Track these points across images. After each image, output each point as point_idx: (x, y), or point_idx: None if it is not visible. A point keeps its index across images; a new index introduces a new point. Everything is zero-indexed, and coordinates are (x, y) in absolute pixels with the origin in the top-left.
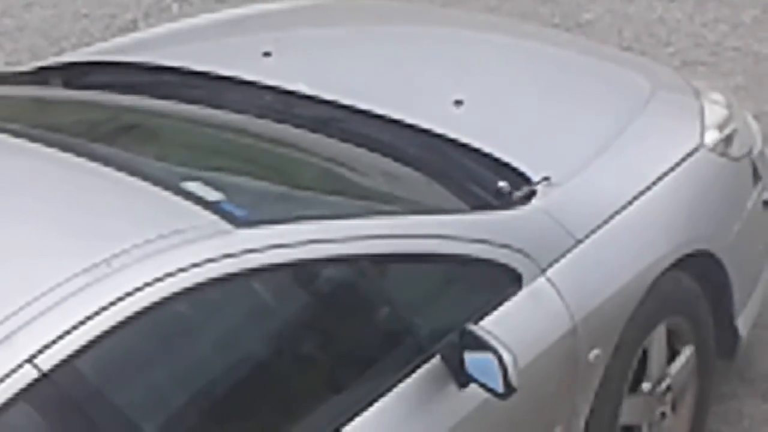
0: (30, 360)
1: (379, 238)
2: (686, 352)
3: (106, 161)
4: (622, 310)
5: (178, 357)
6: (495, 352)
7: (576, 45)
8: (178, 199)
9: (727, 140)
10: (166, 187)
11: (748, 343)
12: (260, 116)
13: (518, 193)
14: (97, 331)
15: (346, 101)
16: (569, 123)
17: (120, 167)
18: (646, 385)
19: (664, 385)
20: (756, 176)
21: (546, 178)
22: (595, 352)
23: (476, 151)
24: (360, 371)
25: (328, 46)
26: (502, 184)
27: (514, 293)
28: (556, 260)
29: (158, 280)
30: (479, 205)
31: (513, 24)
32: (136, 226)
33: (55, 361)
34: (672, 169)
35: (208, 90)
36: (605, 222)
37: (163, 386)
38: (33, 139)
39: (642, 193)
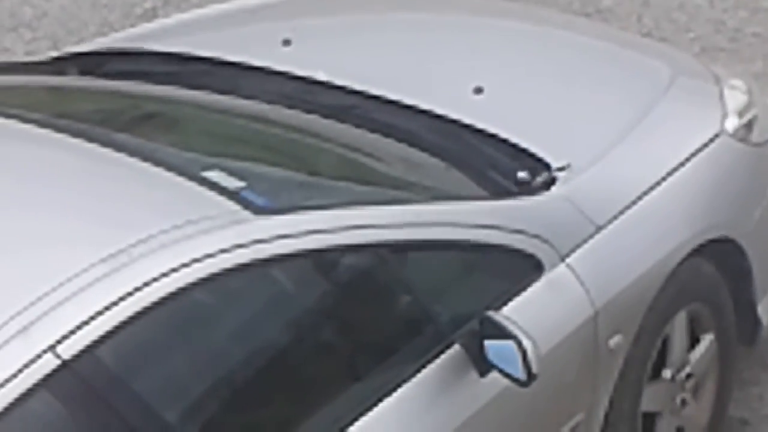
0: (51, 349)
1: (399, 226)
2: (707, 339)
3: (127, 150)
4: (642, 296)
5: (200, 345)
6: (516, 339)
7: (596, 31)
8: (198, 188)
9: (748, 126)
10: (187, 176)
11: None
12: (280, 104)
13: (539, 180)
14: (117, 320)
15: (366, 89)
16: (589, 110)
17: (141, 156)
18: (667, 372)
19: (685, 372)
20: None
21: (565, 166)
22: (616, 339)
23: (496, 138)
24: (380, 359)
25: (348, 34)
26: (522, 173)
27: (534, 280)
28: (577, 247)
29: (178, 268)
30: (500, 193)
31: (533, 10)
32: (156, 215)
33: (75, 350)
34: (692, 155)
35: (227, 78)
36: (626, 209)
37: (183, 374)
38: (54, 128)
39: (662, 179)
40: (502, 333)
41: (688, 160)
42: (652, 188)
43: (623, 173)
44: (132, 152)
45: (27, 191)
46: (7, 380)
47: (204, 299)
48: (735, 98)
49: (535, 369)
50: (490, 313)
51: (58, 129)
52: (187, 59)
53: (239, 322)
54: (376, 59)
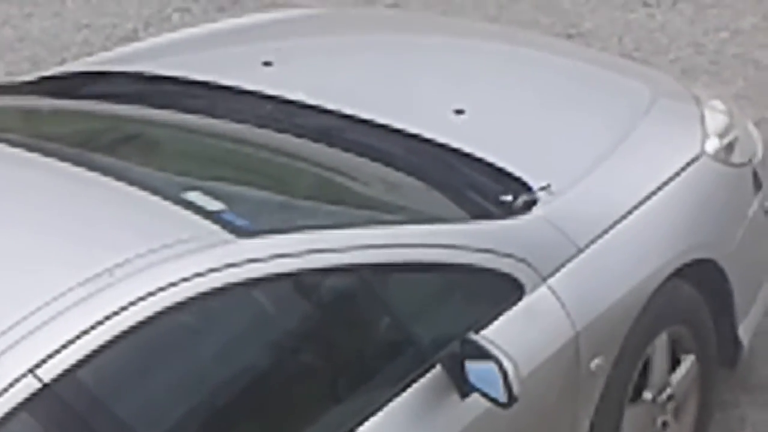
0: (32, 371)
1: (379, 248)
2: (688, 361)
3: (108, 171)
4: (624, 318)
5: (180, 367)
6: (497, 361)
7: (577, 53)
8: (179, 209)
9: (728, 148)
10: (167, 197)
11: (750, 352)
12: (261, 126)
13: (519, 202)
14: (99, 342)
15: (346, 110)
16: (570, 131)
17: (121, 177)
18: (648, 394)
19: (666, 394)
20: (757, 184)
21: (546, 187)
22: (597, 361)
23: (477, 160)
24: (361, 382)
25: (328, 56)
26: (504, 196)
27: (515, 302)
28: (558, 269)
29: (159, 290)
30: (480, 214)
31: (513, 33)
32: (137, 236)
33: (56, 371)
34: (673, 177)
35: (209, 99)
36: (607, 230)
37: (166, 397)
38: (35, 149)
39: (643, 201)
40: (483, 354)
41: (668, 181)
42: (632, 210)
43: (604, 194)
44: (111, 173)
45: (5, 212)
46: None
47: (185, 321)
48: (716, 119)
49: (516, 391)
50: (471, 335)
51: (39, 150)
52: (167, 80)
53: (220, 344)
54: (357, 81)
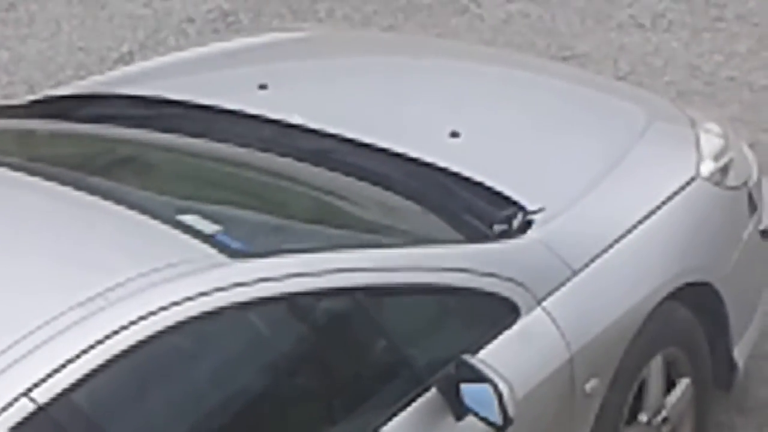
0: (26, 393)
1: (375, 270)
2: (683, 383)
3: (103, 194)
4: (619, 341)
5: (172, 390)
6: (492, 383)
7: (572, 76)
8: (174, 232)
9: (723, 170)
10: (163, 220)
11: (745, 374)
12: (256, 148)
13: (515, 224)
14: (93, 365)
15: (342, 132)
16: (566, 154)
17: (117, 200)
18: (643, 416)
19: (661, 416)
20: (752, 206)
21: (540, 209)
22: (592, 383)
23: (473, 182)
24: (357, 404)
25: (324, 78)
26: (499, 218)
27: (510, 324)
28: (553, 291)
29: (154, 313)
30: (476, 237)
31: (509, 55)
32: (132, 259)
33: (51, 394)
34: (668, 199)
35: (205, 122)
36: (602, 253)
37: (159, 419)
38: (29, 172)
39: (638, 223)
40: (479, 377)
41: (663, 204)
42: (628, 232)
43: (599, 217)
44: (107, 196)
45: (2, 235)
46: None
47: (180, 343)
48: (710, 142)
49: (511, 413)
50: (466, 357)
51: (33, 173)
52: (164, 103)
53: (215, 366)
54: (352, 103)
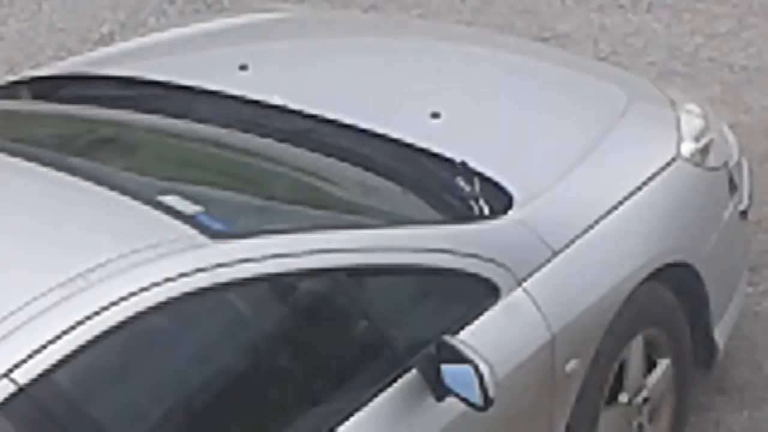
0: (7, 374)
1: (355, 251)
2: (664, 363)
3: (83, 175)
4: (599, 321)
5: (154, 370)
6: (473, 363)
7: (552, 56)
8: (155, 213)
9: (704, 151)
10: (143, 201)
11: (725, 354)
12: (237, 129)
13: (495, 205)
14: (73, 345)
15: (322, 113)
16: (546, 134)
17: (97, 181)
18: (623, 397)
19: (641, 397)
20: (732, 187)
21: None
22: (573, 363)
23: (453, 163)
24: (338, 384)
25: (304, 59)
26: (479, 198)
27: (491, 305)
28: (534, 271)
29: (135, 293)
30: (456, 217)
31: (489, 35)
32: (113, 240)
33: (32, 375)
34: (648, 179)
35: (184, 103)
36: (582, 233)
37: (140, 400)
38: (10, 153)
39: (619, 204)
40: (459, 357)
41: (644, 184)
42: (608, 212)
43: (580, 197)
44: (88, 176)
45: None
46: None
47: (161, 324)
48: (691, 123)
49: (492, 393)
50: (447, 338)
51: (14, 153)
52: (144, 83)
53: (196, 346)
54: (333, 84)
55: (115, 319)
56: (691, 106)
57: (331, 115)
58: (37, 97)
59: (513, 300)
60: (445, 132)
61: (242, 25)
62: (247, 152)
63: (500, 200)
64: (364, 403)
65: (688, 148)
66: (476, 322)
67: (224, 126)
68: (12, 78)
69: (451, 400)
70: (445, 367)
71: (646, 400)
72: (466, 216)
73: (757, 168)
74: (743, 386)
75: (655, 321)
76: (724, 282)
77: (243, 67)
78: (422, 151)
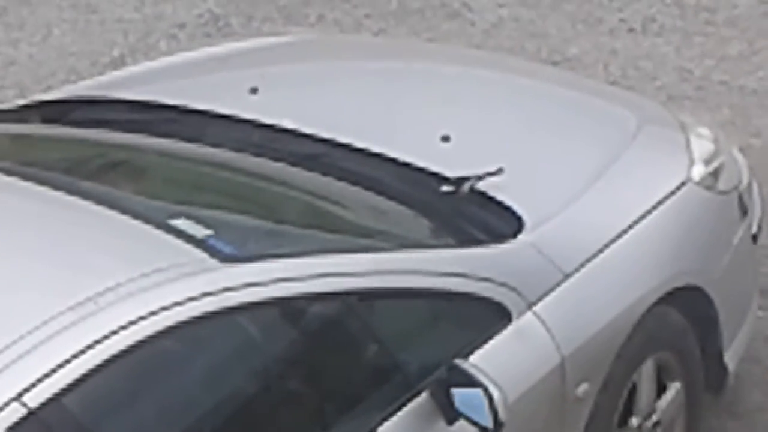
0: (17, 398)
1: (367, 274)
2: (674, 387)
3: (94, 199)
4: (610, 344)
5: (163, 394)
6: (483, 387)
7: (562, 79)
8: (165, 236)
9: (714, 174)
10: (154, 224)
11: (736, 378)
12: (247, 152)
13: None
14: (86, 368)
15: (333, 137)
16: (557, 157)
17: (108, 205)
18: (634, 420)
19: (652, 421)
20: (743, 210)
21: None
22: (584, 387)
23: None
24: (348, 408)
25: (315, 82)
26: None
27: (502, 328)
28: (544, 295)
29: (146, 317)
30: (467, 240)
31: (500, 58)
32: (123, 263)
33: (42, 398)
34: (659, 203)
35: (194, 126)
36: (593, 256)
37: (149, 424)
38: (21, 176)
39: (629, 227)
40: (470, 381)
41: (654, 208)
42: (619, 236)
43: (590, 221)
44: (99, 200)
45: None
46: None
47: (171, 348)
48: (701, 146)
49: (502, 417)
50: (458, 361)
51: (26, 177)
52: (154, 107)
53: (206, 371)
54: (343, 107)
55: (125, 342)
56: (702, 130)
57: (340, 139)
58: (47, 120)
59: (523, 324)
60: (455, 155)
61: (251, 50)
62: (258, 176)
63: (511, 224)
64: (375, 427)
65: (698, 171)
66: (487, 346)
67: (234, 150)
68: (23, 101)
69: (461, 423)
70: (456, 391)
71: (656, 424)
72: (477, 240)
73: None
74: (755, 410)
75: (665, 344)
76: (735, 305)
77: (253, 90)
78: (433, 175)
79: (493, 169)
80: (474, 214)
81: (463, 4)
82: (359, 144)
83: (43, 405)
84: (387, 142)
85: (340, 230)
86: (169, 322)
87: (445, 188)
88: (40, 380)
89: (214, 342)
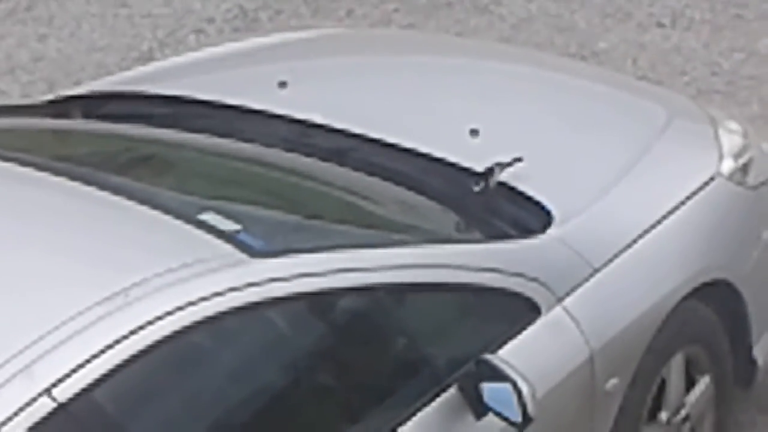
0: (47, 391)
1: (396, 269)
2: (703, 382)
3: (124, 193)
4: (639, 339)
5: (192, 389)
6: (512, 382)
7: (592, 74)
8: (195, 231)
9: (744, 169)
10: (183, 219)
11: (765, 372)
12: (277, 147)
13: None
14: (114, 362)
15: (362, 131)
16: (586, 152)
17: (137, 199)
18: (663, 415)
19: (681, 415)
20: None
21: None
22: (613, 381)
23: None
24: (377, 402)
25: (344, 76)
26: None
27: (531, 323)
28: (574, 289)
29: (175, 311)
30: (496, 235)
31: (529, 53)
32: (153, 257)
33: (72, 392)
34: (688, 197)
35: (223, 121)
36: (622, 251)
37: (179, 417)
38: (52, 171)
39: (659, 221)
40: (499, 375)
41: (684, 202)
42: (648, 230)
43: (620, 215)
44: (129, 195)
45: (25, 233)
46: (2, 423)
47: (200, 342)
48: (731, 141)
49: (531, 412)
50: (487, 356)
51: (57, 172)
52: (183, 102)
53: (235, 364)
54: (372, 102)
55: (154, 336)
56: (731, 124)
57: (370, 133)
58: (78, 115)
59: (552, 318)
60: (484, 149)
61: (279, 44)
62: (287, 170)
63: (540, 218)
64: (404, 421)
65: (728, 166)
66: (516, 340)
67: (263, 144)
68: (52, 96)
69: (490, 418)
70: (485, 385)
71: (686, 418)
72: (507, 234)
73: None
74: None
75: (695, 339)
76: (765, 300)
77: (282, 85)
78: (464, 170)
79: (512, 158)
80: (504, 209)
81: None
82: (388, 138)
83: (72, 399)
84: (416, 136)
85: (368, 225)
86: (199, 317)
87: (476, 188)
88: (69, 374)
89: (244, 336)
